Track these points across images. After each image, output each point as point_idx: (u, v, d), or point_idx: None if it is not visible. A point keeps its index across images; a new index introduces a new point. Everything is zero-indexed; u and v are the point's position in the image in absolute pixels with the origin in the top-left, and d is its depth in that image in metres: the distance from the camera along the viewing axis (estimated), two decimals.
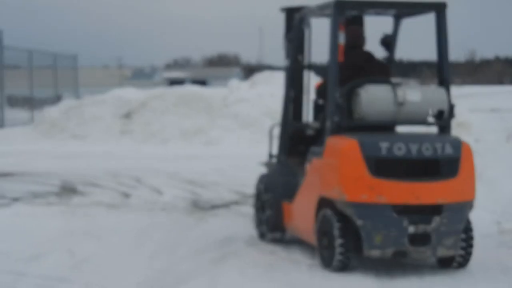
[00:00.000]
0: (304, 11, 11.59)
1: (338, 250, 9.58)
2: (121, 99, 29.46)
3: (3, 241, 11.29)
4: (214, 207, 14.27)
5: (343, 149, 9.72)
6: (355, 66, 10.66)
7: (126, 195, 15.80)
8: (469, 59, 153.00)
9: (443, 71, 10.70)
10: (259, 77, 29.53)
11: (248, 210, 13.77)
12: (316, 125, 11.24)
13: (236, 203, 14.37)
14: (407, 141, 9.71)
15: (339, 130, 10.05)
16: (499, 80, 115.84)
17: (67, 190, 16.45)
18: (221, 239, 11.67)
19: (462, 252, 9.75)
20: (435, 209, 9.49)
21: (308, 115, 12.16)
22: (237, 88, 28.72)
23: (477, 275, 9.68)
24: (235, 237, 11.77)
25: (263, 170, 12.36)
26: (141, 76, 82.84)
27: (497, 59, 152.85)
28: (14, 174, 18.91)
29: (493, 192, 14.40)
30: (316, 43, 11.62)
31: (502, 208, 12.81)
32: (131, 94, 29.91)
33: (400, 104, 10.05)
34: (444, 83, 10.58)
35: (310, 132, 11.48)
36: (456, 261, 9.82)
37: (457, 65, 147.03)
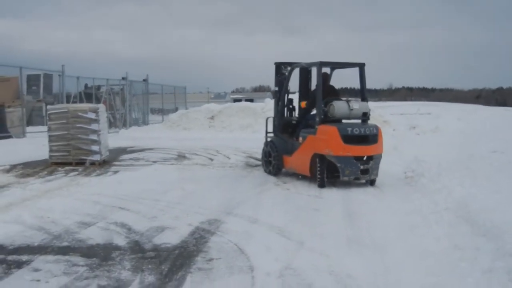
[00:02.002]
0: (295, 65, 12.80)
1: (322, 176, 11.20)
2: (208, 109, 29.40)
3: (149, 184, 11.36)
4: (257, 165, 14.19)
5: (330, 131, 11.16)
6: (326, 92, 11.82)
7: (211, 159, 15.72)
8: (388, 87, 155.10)
9: (363, 95, 12.11)
10: None
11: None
12: (295, 119, 12.98)
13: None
14: (357, 127, 11.31)
15: (323, 122, 11.40)
16: (405, 99, 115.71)
17: (181, 156, 16.42)
18: (261, 182, 11.67)
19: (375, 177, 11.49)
20: (370, 158, 11.22)
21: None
22: (268, 102, 28.57)
23: (390, 193, 10.00)
24: (268, 181, 11.76)
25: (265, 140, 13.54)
26: (219, 97, 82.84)
27: (404, 87, 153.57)
28: (154, 149, 18.93)
29: (402, 156, 14.34)
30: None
31: (406, 165, 12.76)
32: (214, 106, 29.85)
33: (350, 109, 11.55)
34: (365, 99, 12.02)
35: (293, 122, 12.97)
36: (374, 181, 11.46)
37: (382, 91, 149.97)
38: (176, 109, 36.83)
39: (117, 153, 17.17)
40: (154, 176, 12.76)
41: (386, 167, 13.40)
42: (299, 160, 12.00)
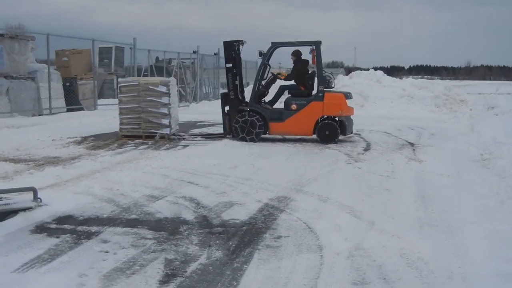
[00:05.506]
0: (280, 43, 14.65)
1: (336, 135, 13.98)
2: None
3: (218, 158, 11.39)
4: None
5: (340, 96, 14.21)
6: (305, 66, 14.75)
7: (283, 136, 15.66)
8: (466, 65, 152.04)
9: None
10: (353, 73, 29.22)
11: (345, 145, 13.64)
12: (265, 90, 14.88)
13: (341, 141, 14.20)
14: (347, 94, 14.65)
15: (324, 91, 14.03)
16: (483, 78, 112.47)
17: None
18: (332, 160, 11.57)
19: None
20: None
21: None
22: (342, 79, 28.29)
23: (465, 175, 9.42)
24: (339, 160, 11.65)
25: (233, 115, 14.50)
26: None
27: (482, 66, 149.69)
28: None
29: (480, 137, 13.99)
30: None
31: (484, 147, 12.42)
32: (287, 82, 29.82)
33: (334, 80, 14.99)
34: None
35: (266, 93, 15.01)
36: None
37: (460, 69, 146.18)
38: (247, 84, 36.93)
39: (187, 127, 17.32)
40: (224, 151, 12.85)
41: (462, 148, 13.13)
42: (299, 124, 14.12)
